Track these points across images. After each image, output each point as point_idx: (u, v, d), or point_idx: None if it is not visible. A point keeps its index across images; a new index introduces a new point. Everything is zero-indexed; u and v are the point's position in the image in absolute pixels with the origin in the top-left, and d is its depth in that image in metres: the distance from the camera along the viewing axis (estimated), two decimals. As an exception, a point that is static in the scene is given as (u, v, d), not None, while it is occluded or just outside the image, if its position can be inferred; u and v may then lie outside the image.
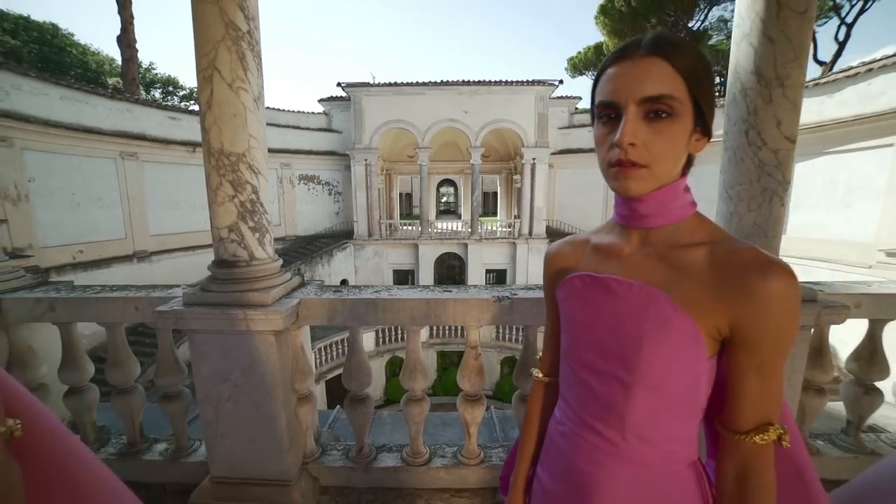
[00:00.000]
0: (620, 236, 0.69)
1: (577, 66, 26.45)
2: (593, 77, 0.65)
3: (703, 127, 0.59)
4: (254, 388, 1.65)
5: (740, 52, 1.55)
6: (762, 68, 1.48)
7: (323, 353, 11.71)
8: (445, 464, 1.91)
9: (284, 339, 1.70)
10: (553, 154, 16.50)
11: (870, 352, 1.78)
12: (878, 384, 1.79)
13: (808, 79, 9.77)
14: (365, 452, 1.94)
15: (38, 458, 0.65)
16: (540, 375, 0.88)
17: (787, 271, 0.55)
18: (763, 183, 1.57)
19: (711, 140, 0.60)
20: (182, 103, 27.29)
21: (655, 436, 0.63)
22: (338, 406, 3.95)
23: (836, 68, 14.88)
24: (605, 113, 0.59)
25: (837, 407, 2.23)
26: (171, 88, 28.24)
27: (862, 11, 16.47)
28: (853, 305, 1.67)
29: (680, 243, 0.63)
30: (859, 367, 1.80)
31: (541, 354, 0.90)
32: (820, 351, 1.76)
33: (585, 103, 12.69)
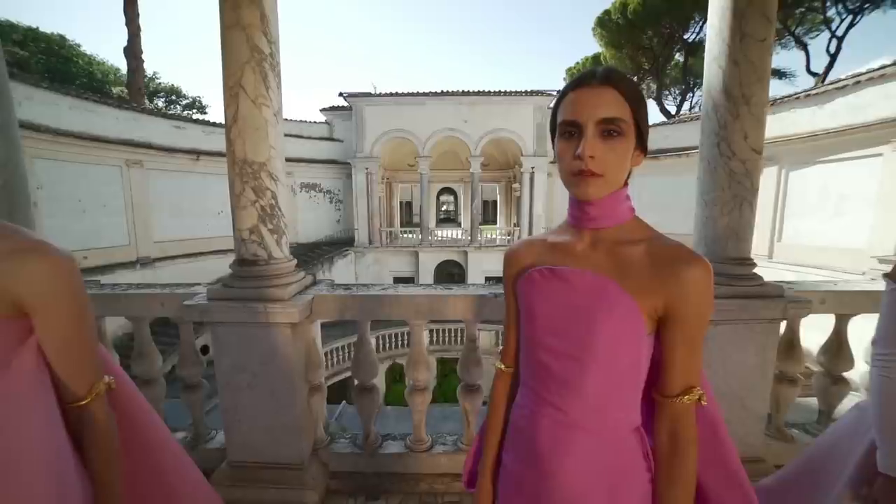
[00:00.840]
0: (574, 236, 0.81)
1: (576, 77, 26.87)
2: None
3: (641, 145, 0.74)
4: (271, 377, 1.79)
5: (711, 72, 1.73)
6: (730, 88, 1.66)
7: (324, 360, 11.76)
8: (446, 450, 2.05)
9: (299, 331, 1.85)
10: (551, 163, 16.69)
11: (836, 345, 1.93)
12: (845, 375, 1.94)
13: (801, 90, 9.95)
14: (371, 440, 2.08)
15: (122, 409, 0.80)
16: (502, 367, 0.95)
17: (705, 263, 0.70)
18: (734, 190, 1.73)
19: (647, 155, 0.76)
20: (185, 112, 27.67)
21: (606, 405, 0.74)
22: (343, 401, 4.06)
23: (828, 79, 15.19)
24: (568, 130, 0.72)
25: (815, 402, 2.37)
26: (174, 97, 28.68)
27: (852, 25, 16.85)
28: (818, 301, 1.82)
29: (623, 240, 0.76)
30: (828, 359, 1.95)
31: (502, 347, 0.97)
32: (791, 344, 1.91)
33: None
